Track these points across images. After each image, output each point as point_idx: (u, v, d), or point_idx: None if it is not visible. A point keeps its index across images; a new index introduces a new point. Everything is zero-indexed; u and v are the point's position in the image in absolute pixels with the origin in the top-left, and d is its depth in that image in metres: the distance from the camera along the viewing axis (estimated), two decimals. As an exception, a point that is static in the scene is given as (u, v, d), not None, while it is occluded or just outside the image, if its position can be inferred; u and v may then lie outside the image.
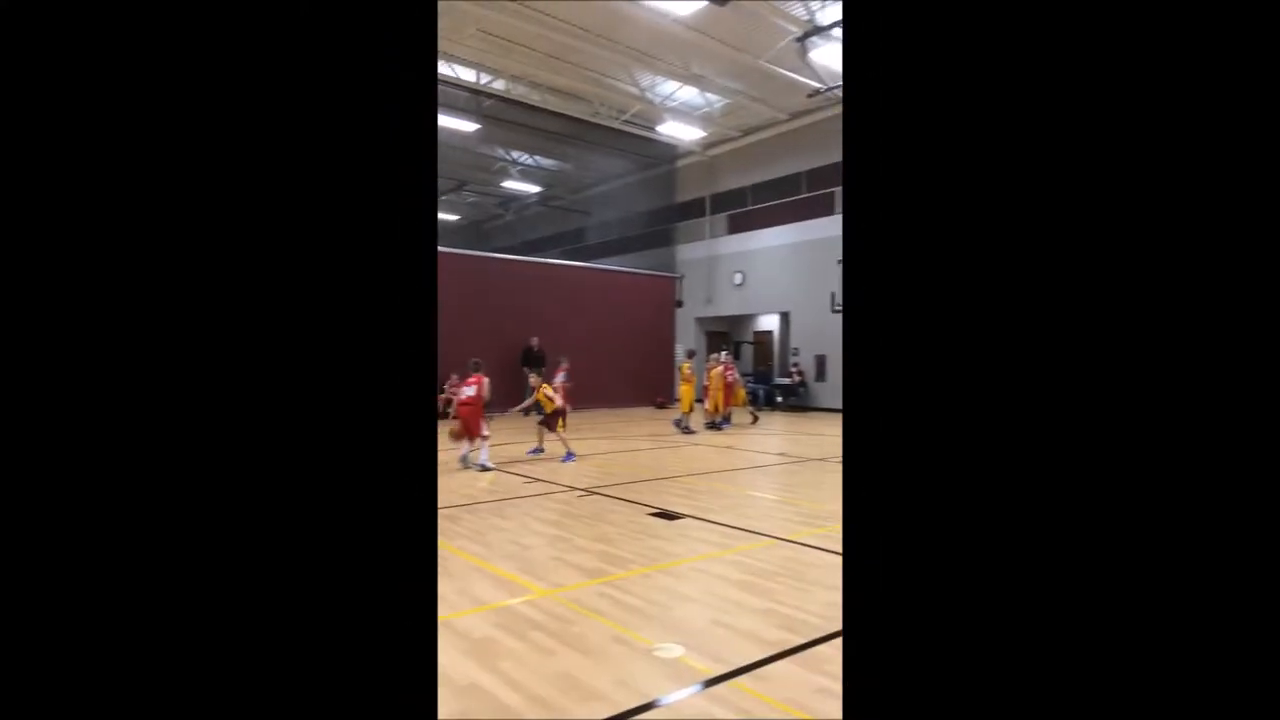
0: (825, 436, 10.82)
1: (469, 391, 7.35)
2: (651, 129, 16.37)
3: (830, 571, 3.82)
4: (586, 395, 15.03)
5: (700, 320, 19.17)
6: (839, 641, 2.83)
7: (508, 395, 10.24)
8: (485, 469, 7.14)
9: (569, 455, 7.87)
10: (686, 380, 11.68)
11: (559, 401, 8.21)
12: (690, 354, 13.08)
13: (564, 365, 10.32)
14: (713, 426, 11.55)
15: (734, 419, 12.13)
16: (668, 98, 15.34)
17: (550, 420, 8.14)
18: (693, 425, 11.24)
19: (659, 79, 14.52)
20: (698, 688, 2.44)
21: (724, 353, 12.46)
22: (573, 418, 9.22)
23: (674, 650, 2.74)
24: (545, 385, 8.32)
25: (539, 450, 8.30)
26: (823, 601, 3.31)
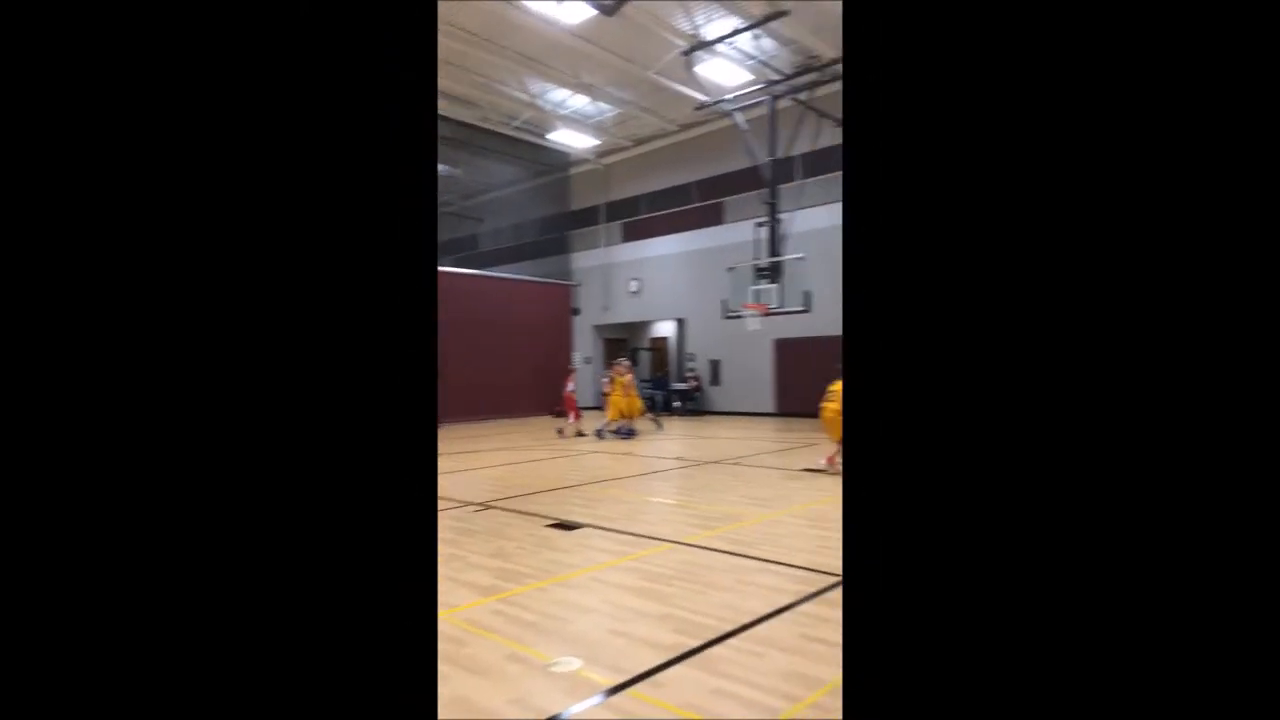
0: (721, 439, 11.10)
1: None
2: (543, 136, 16.28)
3: (725, 573, 3.91)
4: (484, 406, 14.67)
5: (598, 328, 19.21)
6: (734, 641, 2.90)
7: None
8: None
9: None
10: (622, 387, 11.63)
11: None
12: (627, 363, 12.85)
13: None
14: (624, 433, 11.59)
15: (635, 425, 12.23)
16: (559, 105, 15.31)
17: None
18: (633, 427, 11.47)
19: (549, 86, 14.47)
20: (597, 699, 2.42)
21: (623, 360, 12.54)
22: (470, 429, 8.96)
23: (572, 664, 2.70)
24: None
25: None
26: (718, 603, 3.38)
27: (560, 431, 11.94)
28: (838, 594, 3.50)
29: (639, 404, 12.09)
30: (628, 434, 11.57)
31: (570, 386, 12.36)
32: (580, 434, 11.82)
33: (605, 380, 12.33)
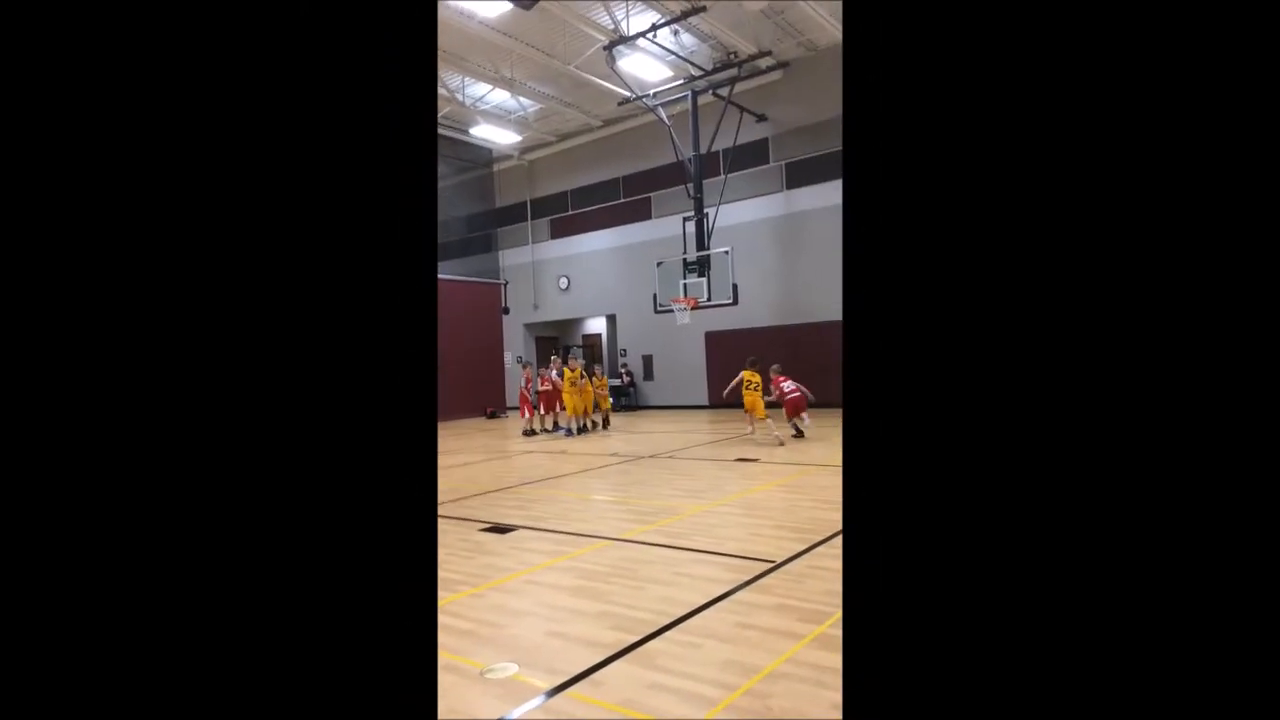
0: (655, 434, 11.18)
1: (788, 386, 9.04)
2: (465, 132, 15.91)
3: (662, 567, 3.93)
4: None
5: (529, 326, 18.98)
6: (671, 634, 2.92)
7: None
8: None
9: None
10: (575, 386, 11.49)
11: None
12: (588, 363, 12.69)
13: None
14: (581, 431, 11.53)
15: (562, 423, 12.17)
16: (480, 100, 15.01)
17: None
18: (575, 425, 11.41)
19: (469, 81, 14.16)
20: (535, 703, 2.39)
21: (554, 357, 12.43)
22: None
23: (508, 669, 2.66)
24: None
25: None
26: (655, 596, 3.39)
27: (532, 432, 11.73)
28: (771, 580, 3.57)
29: (592, 400, 11.94)
30: (580, 431, 11.52)
31: (524, 384, 12.18)
32: (546, 430, 11.77)
33: (548, 376, 12.13)
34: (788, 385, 9.26)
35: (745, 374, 9.57)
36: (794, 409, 9.22)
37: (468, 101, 14.79)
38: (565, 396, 11.66)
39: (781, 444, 8.78)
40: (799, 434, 9.27)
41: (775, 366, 9.60)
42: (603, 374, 12.61)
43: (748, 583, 3.54)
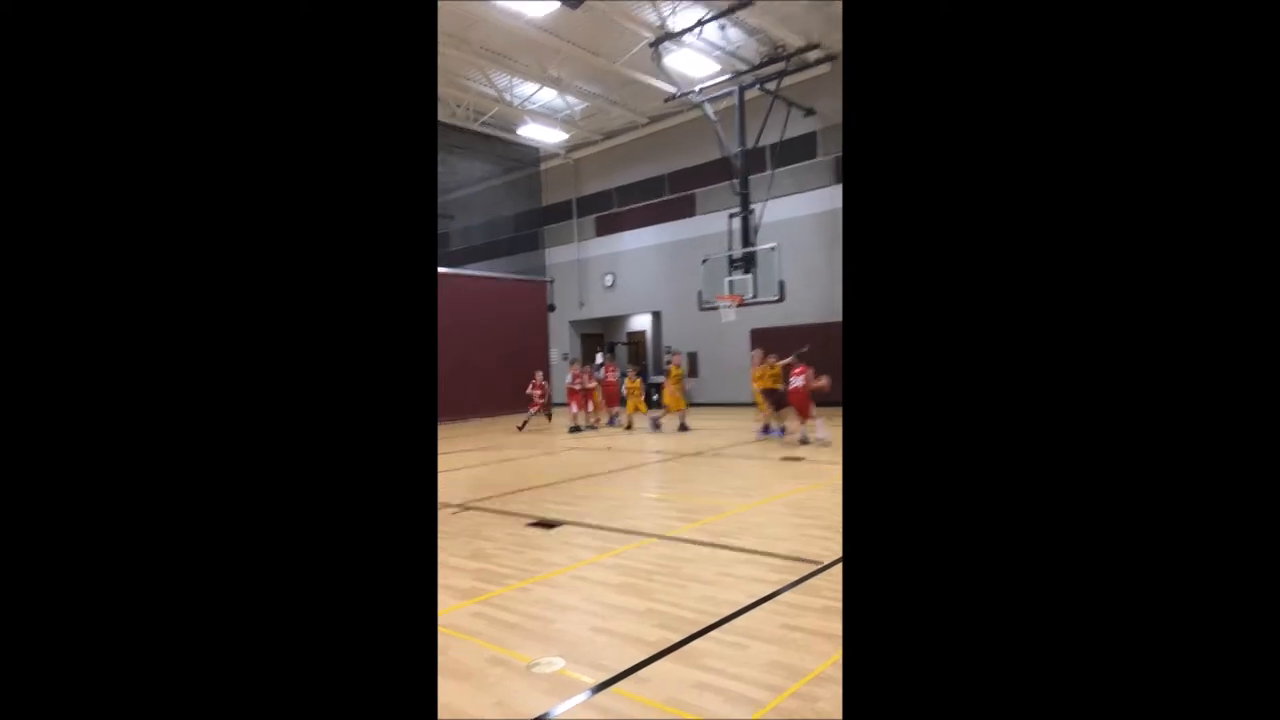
0: (700, 431, 11.13)
1: (798, 381, 8.54)
2: (512, 131, 16.11)
3: (706, 565, 3.92)
4: (462, 405, 14.54)
5: (574, 323, 19.14)
6: (716, 634, 2.90)
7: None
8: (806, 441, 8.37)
9: None
10: (675, 381, 11.42)
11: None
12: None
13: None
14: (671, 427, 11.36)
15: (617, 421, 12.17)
16: (526, 100, 15.17)
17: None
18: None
19: (516, 80, 14.32)
20: (581, 698, 2.41)
21: (600, 355, 12.46)
22: (447, 429, 8.92)
23: (554, 664, 2.69)
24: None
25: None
26: (699, 595, 3.39)
27: (594, 424, 11.85)
28: (818, 582, 3.52)
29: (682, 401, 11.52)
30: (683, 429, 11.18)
31: (570, 380, 12.24)
32: (591, 426, 11.85)
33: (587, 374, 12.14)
34: (796, 381, 8.46)
35: (765, 367, 9.38)
36: (794, 405, 8.58)
37: (515, 101, 14.97)
38: (669, 391, 11.49)
39: (804, 442, 8.49)
40: (805, 441, 8.56)
41: (790, 358, 8.96)
42: (636, 376, 12.49)
43: (794, 584, 3.50)
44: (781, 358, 9.36)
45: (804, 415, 8.67)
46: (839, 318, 13.88)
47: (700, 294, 13.40)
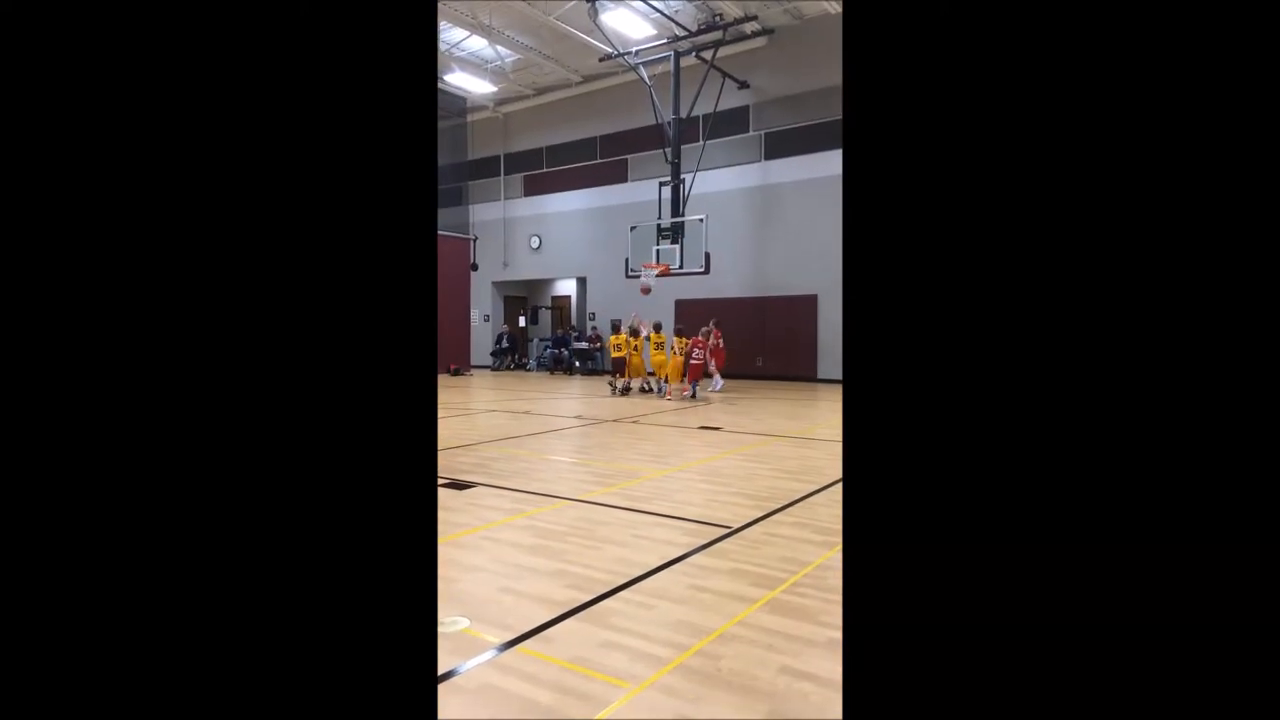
0: (621, 398, 11.17)
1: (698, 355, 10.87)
2: (439, 78, 15.37)
3: (620, 528, 3.93)
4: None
5: (497, 284, 18.70)
6: (625, 594, 2.92)
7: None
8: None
9: None
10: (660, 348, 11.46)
11: None
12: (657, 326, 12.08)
13: None
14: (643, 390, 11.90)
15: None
16: (454, 46, 14.49)
17: None
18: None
19: (445, 24, 13.63)
20: (487, 656, 2.37)
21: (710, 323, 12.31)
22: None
23: (459, 623, 2.63)
24: None
25: None
26: (612, 557, 3.39)
27: (625, 389, 11.65)
28: (727, 545, 3.60)
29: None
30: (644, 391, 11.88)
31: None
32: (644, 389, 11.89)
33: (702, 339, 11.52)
34: (696, 353, 10.68)
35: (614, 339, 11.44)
36: (694, 376, 10.76)
37: (443, 47, 14.26)
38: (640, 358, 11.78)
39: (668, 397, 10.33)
40: (693, 396, 10.59)
41: (704, 329, 10.99)
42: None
43: (703, 547, 3.56)
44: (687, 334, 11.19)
45: (694, 378, 10.79)
46: (762, 293, 14.17)
47: (628, 261, 13.34)
